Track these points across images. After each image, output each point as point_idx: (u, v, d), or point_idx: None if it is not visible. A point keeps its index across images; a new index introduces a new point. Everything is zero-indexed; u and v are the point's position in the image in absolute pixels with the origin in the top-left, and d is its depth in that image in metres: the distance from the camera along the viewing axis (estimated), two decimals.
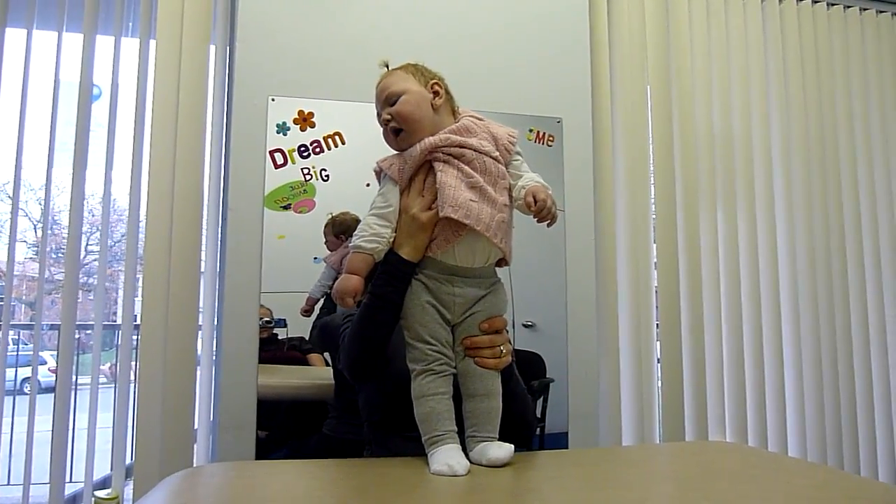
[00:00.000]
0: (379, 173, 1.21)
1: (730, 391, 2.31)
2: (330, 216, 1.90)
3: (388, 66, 1.23)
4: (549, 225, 1.13)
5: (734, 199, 2.40)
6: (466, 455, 1.06)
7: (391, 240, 1.15)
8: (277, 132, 1.90)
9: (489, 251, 1.14)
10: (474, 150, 1.14)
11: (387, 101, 1.18)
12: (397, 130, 1.17)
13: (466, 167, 1.13)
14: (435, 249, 1.13)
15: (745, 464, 1.15)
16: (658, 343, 2.29)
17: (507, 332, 1.20)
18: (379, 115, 1.21)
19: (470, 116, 1.21)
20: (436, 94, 1.19)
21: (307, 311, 1.87)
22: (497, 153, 1.16)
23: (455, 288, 1.13)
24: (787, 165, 2.48)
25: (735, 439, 2.28)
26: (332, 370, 1.85)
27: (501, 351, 1.15)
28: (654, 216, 2.32)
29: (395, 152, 1.20)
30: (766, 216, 2.43)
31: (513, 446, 1.08)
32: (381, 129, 1.21)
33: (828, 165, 2.52)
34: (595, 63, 2.26)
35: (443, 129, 1.16)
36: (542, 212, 1.11)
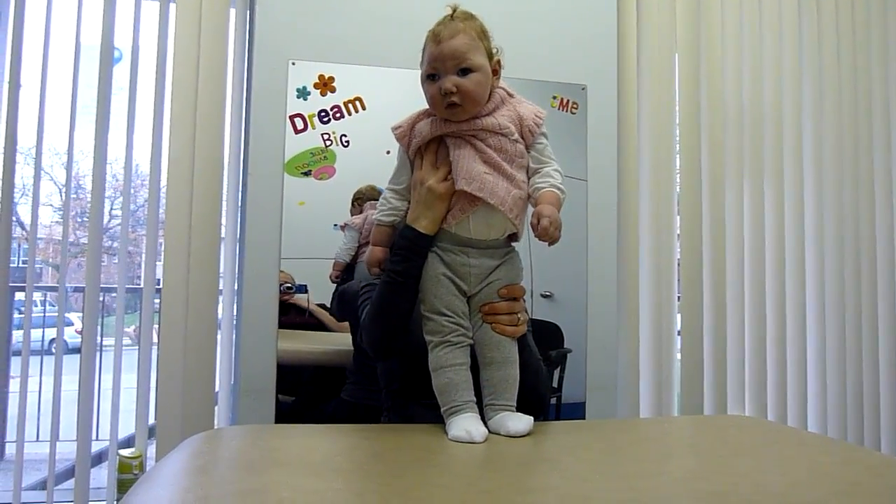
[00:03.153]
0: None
1: (750, 365, 2.29)
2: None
3: (453, 13, 1.13)
4: (549, 244, 1.07)
5: (762, 172, 2.34)
6: (485, 424, 1.07)
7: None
8: (298, 97, 1.88)
9: (504, 225, 1.13)
10: (488, 131, 1.11)
11: (457, 66, 1.09)
12: (453, 104, 1.09)
13: (480, 143, 1.11)
14: (450, 220, 1.12)
15: (765, 439, 1.14)
16: (679, 315, 2.26)
17: (525, 301, 1.19)
18: (434, 72, 1.11)
19: (500, 88, 1.17)
20: (496, 72, 1.15)
21: (337, 277, 1.88)
22: (516, 135, 1.12)
23: (470, 259, 1.12)
24: (818, 138, 2.40)
25: (754, 414, 2.27)
26: (350, 336, 1.86)
27: (519, 318, 1.15)
28: (678, 187, 2.28)
29: (409, 118, 1.17)
30: (795, 190, 2.37)
31: (532, 418, 1.08)
32: (427, 86, 1.12)
33: (860, 139, 2.45)
34: (621, 29, 2.20)
35: None
36: (543, 237, 1.05)
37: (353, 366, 1.85)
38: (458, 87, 1.09)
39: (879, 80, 2.48)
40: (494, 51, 1.15)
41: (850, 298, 2.40)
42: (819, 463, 0.97)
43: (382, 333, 1.22)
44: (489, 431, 1.05)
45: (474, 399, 1.09)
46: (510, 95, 1.18)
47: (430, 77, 1.12)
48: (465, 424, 1.03)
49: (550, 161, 1.15)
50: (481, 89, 1.11)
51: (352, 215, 1.90)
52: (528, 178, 1.14)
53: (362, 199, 1.88)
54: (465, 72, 1.09)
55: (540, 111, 1.16)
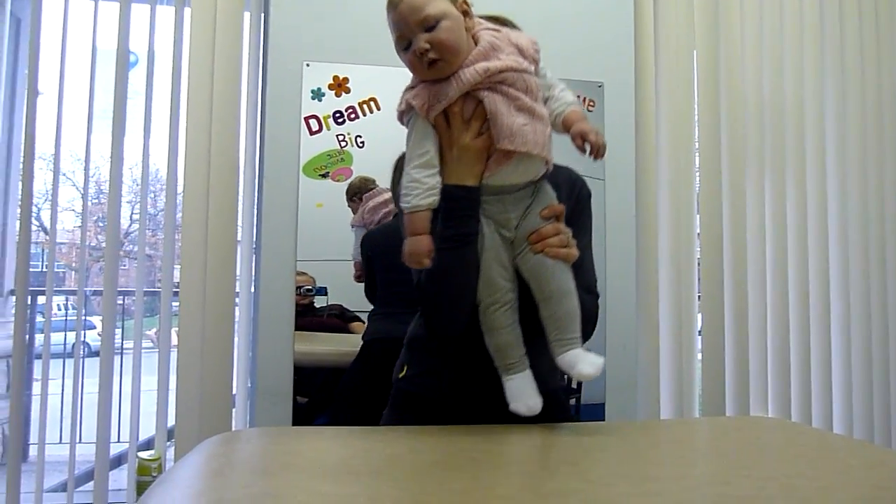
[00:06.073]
0: (404, 112, 1.12)
1: (773, 365, 2.25)
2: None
3: None
4: (596, 159, 1.06)
5: (783, 170, 2.30)
6: (551, 363, 1.07)
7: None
8: (312, 98, 1.88)
9: (537, 167, 1.09)
10: (514, 70, 1.06)
11: (422, 24, 1.02)
12: (434, 61, 1.04)
13: (511, 89, 1.05)
14: (485, 173, 1.08)
15: (790, 441, 1.11)
16: (699, 315, 2.23)
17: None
18: (403, 37, 1.05)
19: (488, 30, 1.10)
20: (466, 13, 1.08)
21: (359, 277, 1.89)
22: (532, 68, 1.08)
23: (507, 206, 1.09)
24: (840, 135, 2.36)
25: (777, 415, 2.23)
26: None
27: (568, 240, 1.10)
28: (698, 185, 2.25)
29: (422, 84, 1.09)
30: (817, 188, 2.33)
31: (602, 360, 1.03)
32: (405, 57, 1.06)
33: (885, 135, 2.39)
34: (639, 25, 2.17)
35: (470, 54, 1.06)
36: (598, 150, 1.05)
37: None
38: (430, 42, 1.02)
39: None
40: None
41: (875, 296, 2.35)
42: (846, 466, 0.94)
43: (465, 303, 1.12)
44: (560, 368, 1.06)
45: (524, 350, 1.09)
46: (497, 31, 1.10)
47: (405, 48, 1.05)
48: (524, 395, 1.06)
49: (557, 83, 1.13)
50: (454, 36, 1.04)
51: (352, 212, 1.90)
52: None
53: (358, 192, 1.88)
54: (431, 28, 1.03)
55: (532, 38, 1.12)
